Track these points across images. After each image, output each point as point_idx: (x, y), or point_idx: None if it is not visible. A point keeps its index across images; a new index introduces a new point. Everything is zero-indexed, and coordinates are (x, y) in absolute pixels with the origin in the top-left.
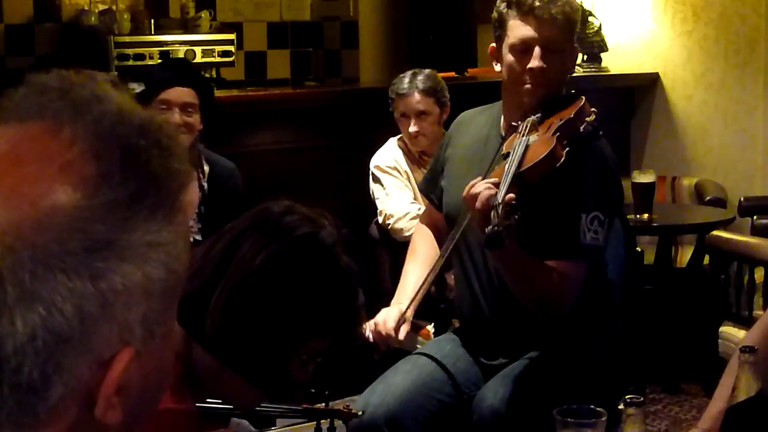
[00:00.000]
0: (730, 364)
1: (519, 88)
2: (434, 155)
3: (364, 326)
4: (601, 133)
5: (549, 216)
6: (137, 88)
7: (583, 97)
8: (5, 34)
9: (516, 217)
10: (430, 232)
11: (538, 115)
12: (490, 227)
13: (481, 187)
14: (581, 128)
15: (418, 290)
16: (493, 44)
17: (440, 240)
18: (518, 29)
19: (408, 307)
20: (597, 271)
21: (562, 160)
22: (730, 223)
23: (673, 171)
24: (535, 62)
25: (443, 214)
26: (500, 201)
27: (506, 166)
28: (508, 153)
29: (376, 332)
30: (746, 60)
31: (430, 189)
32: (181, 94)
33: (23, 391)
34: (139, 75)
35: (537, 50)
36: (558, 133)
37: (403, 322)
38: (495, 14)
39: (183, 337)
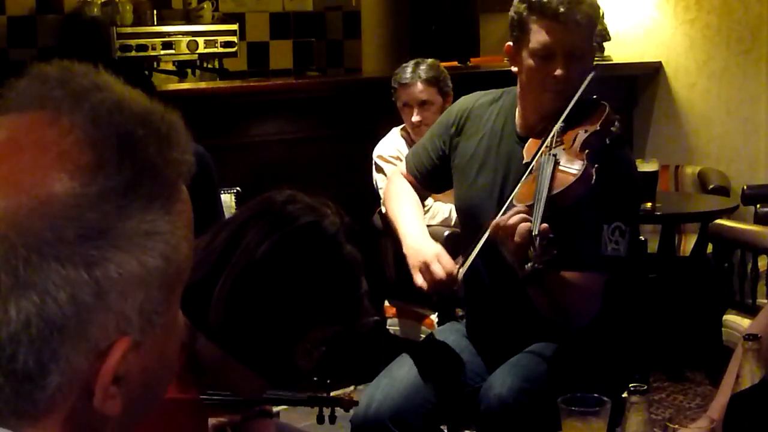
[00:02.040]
0: (736, 352)
1: (540, 95)
2: (436, 133)
3: (416, 278)
4: (624, 140)
5: (570, 226)
6: None
7: (607, 106)
8: (8, 25)
9: (555, 252)
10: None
11: (562, 125)
12: (529, 264)
13: (516, 219)
14: (607, 140)
15: (473, 248)
16: (510, 43)
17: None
18: (541, 35)
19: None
20: None
21: (594, 178)
22: (734, 212)
23: (676, 159)
24: (559, 71)
25: (456, 209)
26: (537, 233)
27: (536, 189)
28: (530, 163)
29: (433, 278)
30: (749, 48)
31: (418, 166)
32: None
33: (19, 379)
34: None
35: (561, 57)
36: (587, 150)
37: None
38: (514, 15)
39: (187, 326)
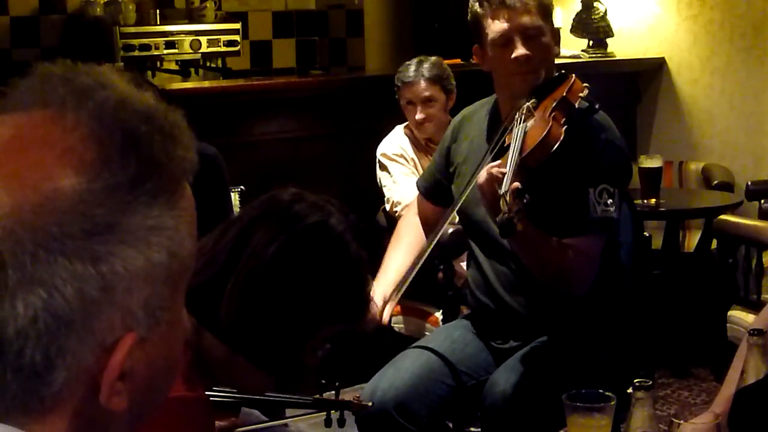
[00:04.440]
0: (740, 348)
1: (509, 80)
2: (438, 150)
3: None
4: (597, 106)
5: (558, 195)
6: None
7: (573, 75)
8: (11, 26)
9: (525, 201)
10: (417, 221)
11: (533, 101)
12: (500, 215)
13: (484, 175)
14: (576, 104)
15: (405, 276)
16: (475, 45)
17: (427, 231)
18: (494, 24)
19: (393, 292)
20: (605, 255)
21: (561, 138)
22: (738, 207)
23: (680, 156)
24: (518, 51)
25: (457, 211)
26: (506, 189)
27: (508, 156)
28: (510, 144)
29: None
30: (752, 43)
31: (424, 179)
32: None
33: (26, 374)
34: None
35: (518, 40)
36: (554, 113)
37: (386, 304)
38: (470, 16)
39: (193, 325)
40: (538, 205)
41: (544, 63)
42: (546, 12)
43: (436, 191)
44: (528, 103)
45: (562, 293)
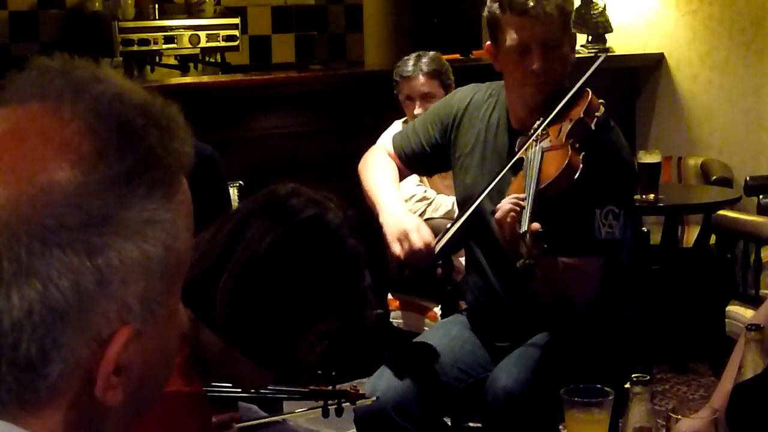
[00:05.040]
0: (738, 343)
1: (522, 90)
2: (431, 121)
3: (394, 247)
4: (612, 124)
5: (564, 213)
6: None
7: (589, 91)
8: (10, 21)
9: (545, 246)
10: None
11: (548, 116)
12: (521, 261)
13: (503, 213)
14: (592, 125)
15: (450, 227)
16: (489, 43)
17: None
18: (514, 31)
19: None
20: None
21: (581, 167)
22: (737, 203)
23: (679, 151)
24: (536, 64)
25: (457, 202)
26: (527, 229)
27: (525, 184)
28: (522, 159)
29: (411, 248)
30: (751, 39)
31: (405, 143)
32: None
33: (22, 367)
34: None
35: (536, 51)
36: (571, 139)
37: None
38: (487, 14)
39: (190, 319)
40: (545, 221)
41: (558, 75)
42: (567, 21)
43: (416, 159)
44: (543, 121)
45: (560, 310)
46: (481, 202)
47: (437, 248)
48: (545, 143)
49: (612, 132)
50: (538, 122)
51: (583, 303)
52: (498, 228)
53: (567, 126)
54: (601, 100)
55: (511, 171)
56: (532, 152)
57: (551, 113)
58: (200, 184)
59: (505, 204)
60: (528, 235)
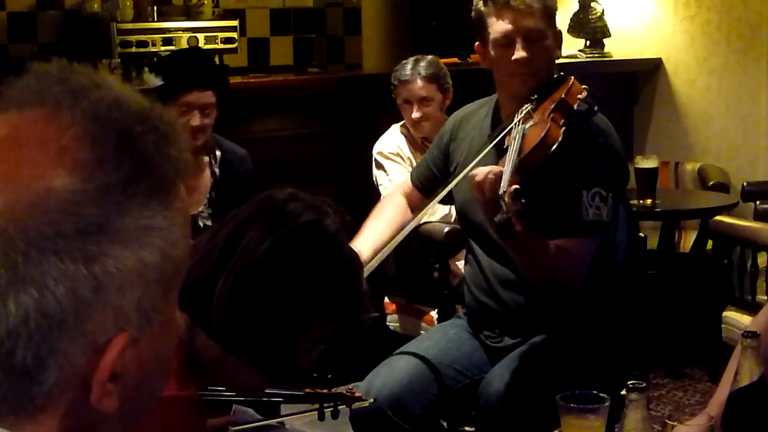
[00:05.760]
0: (735, 350)
1: (509, 80)
2: (434, 146)
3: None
4: (596, 108)
5: (551, 195)
6: (155, 80)
7: (572, 77)
8: (8, 21)
9: (523, 202)
10: (404, 202)
11: (533, 103)
12: (498, 216)
13: (483, 174)
14: (575, 106)
15: (382, 251)
16: (477, 42)
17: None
18: (497, 24)
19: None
20: (601, 255)
21: (560, 139)
22: (733, 208)
23: (676, 156)
24: (518, 54)
25: (456, 210)
26: (505, 189)
27: (507, 155)
28: (508, 146)
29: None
30: (749, 45)
31: (418, 172)
32: (201, 96)
33: (17, 374)
34: (159, 67)
35: (520, 42)
36: (552, 115)
37: None
38: (474, 13)
39: (186, 324)
40: (532, 205)
41: (544, 66)
42: (549, 15)
43: (430, 185)
44: (528, 106)
45: (550, 294)
46: (472, 204)
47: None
48: (528, 124)
49: (598, 118)
50: (523, 107)
51: (575, 285)
52: (477, 191)
53: (549, 106)
54: (584, 86)
55: (497, 157)
56: (515, 131)
57: (535, 97)
58: (227, 182)
59: (484, 168)
60: (506, 194)
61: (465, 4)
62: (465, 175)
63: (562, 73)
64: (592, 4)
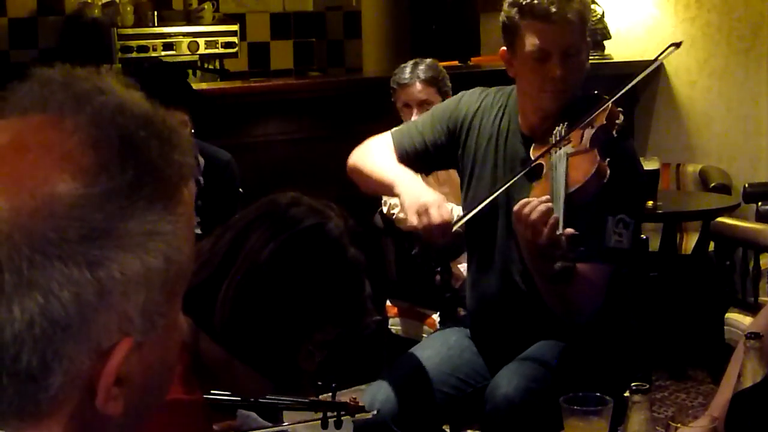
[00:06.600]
0: (736, 351)
1: (539, 96)
2: (437, 120)
3: (411, 219)
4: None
5: (576, 219)
6: None
7: (610, 100)
8: (9, 27)
9: (582, 249)
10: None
11: (566, 123)
12: (559, 264)
13: (539, 213)
14: (614, 132)
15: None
16: (504, 48)
17: None
18: (534, 37)
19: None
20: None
21: (608, 173)
22: (735, 210)
23: (678, 158)
24: (556, 71)
25: (463, 208)
26: (561, 232)
27: (552, 189)
28: (541, 164)
29: (429, 222)
30: (750, 46)
31: (407, 142)
32: (173, 115)
33: (23, 379)
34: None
35: (557, 57)
36: (596, 146)
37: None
38: (505, 19)
39: (191, 327)
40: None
41: (577, 82)
42: (585, 25)
43: (416, 157)
44: (562, 125)
45: (565, 319)
46: (485, 208)
47: (455, 227)
48: (568, 149)
49: (629, 140)
50: (558, 128)
51: (588, 312)
52: (530, 230)
53: (590, 132)
54: (620, 109)
55: (525, 177)
56: (555, 157)
57: (583, 119)
58: (213, 189)
59: (540, 206)
60: (564, 238)
61: (465, 7)
62: (499, 202)
63: (596, 92)
64: (593, 6)
